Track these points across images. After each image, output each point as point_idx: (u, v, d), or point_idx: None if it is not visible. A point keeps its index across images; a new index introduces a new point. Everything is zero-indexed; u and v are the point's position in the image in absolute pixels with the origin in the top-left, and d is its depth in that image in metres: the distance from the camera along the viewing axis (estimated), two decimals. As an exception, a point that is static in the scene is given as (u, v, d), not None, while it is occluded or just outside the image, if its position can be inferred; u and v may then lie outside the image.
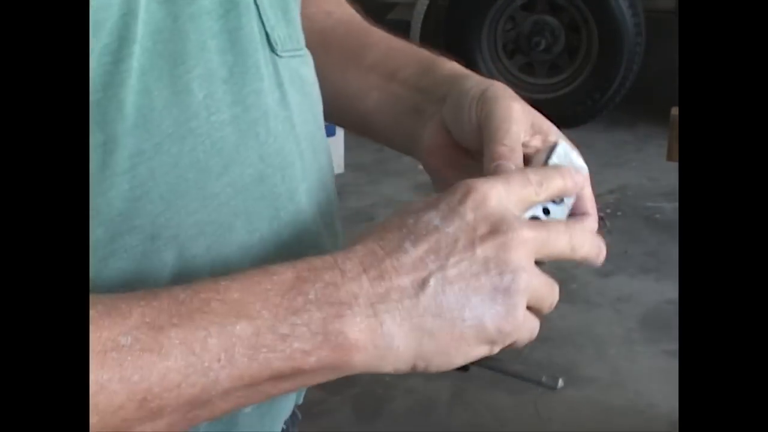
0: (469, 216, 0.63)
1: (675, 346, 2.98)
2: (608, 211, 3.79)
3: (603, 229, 3.61)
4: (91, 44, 0.61)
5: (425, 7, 4.49)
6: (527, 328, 0.65)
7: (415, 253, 0.62)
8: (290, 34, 0.77)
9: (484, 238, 0.63)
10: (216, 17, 0.69)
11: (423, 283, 0.62)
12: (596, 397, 2.76)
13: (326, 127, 0.82)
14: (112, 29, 0.63)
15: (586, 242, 0.68)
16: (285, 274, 0.61)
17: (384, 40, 0.89)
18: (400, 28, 4.76)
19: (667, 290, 3.27)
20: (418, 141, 0.82)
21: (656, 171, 4.05)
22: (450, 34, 4.56)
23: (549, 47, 4.50)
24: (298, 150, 0.75)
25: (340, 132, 1.75)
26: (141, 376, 0.56)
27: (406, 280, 0.62)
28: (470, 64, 4.52)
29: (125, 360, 0.55)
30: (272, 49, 0.74)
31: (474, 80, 0.80)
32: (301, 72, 0.78)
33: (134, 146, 0.64)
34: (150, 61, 0.65)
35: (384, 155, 4.31)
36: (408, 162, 4.81)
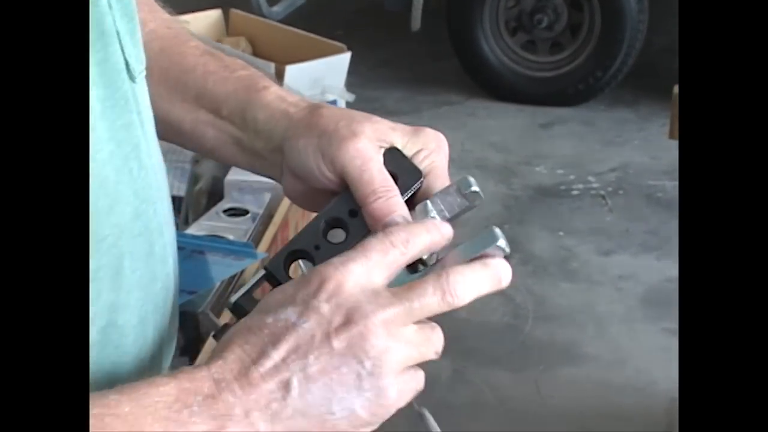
0: (324, 308, 0.63)
1: (675, 324, 2.97)
2: (610, 189, 3.78)
3: (604, 207, 3.61)
4: None
5: (427, -15, 4.47)
6: (407, 392, 0.65)
7: (277, 355, 0.62)
8: (138, 55, 0.73)
9: (339, 330, 0.63)
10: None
11: (287, 385, 0.62)
12: (597, 375, 2.76)
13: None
14: None
15: (464, 289, 0.66)
16: (168, 385, 0.61)
17: (200, 63, 0.84)
18: (403, 4, 4.69)
19: (668, 268, 3.27)
20: (277, 177, 0.80)
21: (658, 149, 4.04)
22: (452, 12, 4.54)
23: (551, 25, 4.48)
24: (158, 180, 0.73)
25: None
26: None
27: (272, 384, 0.62)
28: (472, 42, 4.51)
29: None
30: (131, 77, 0.71)
31: (301, 129, 0.76)
32: (146, 94, 0.75)
33: None
34: None
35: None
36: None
